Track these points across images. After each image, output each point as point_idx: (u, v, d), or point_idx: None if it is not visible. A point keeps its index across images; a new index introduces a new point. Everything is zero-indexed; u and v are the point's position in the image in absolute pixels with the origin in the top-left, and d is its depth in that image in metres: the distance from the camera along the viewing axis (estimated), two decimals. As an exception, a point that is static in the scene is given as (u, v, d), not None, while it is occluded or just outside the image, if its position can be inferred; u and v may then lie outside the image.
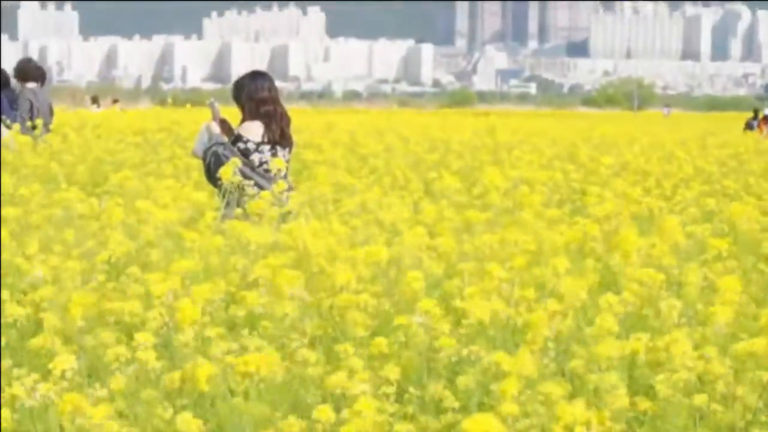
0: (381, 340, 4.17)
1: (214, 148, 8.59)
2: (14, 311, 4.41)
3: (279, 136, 8.73)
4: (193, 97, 58.55)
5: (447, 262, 5.27)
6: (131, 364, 3.86)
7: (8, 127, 12.30)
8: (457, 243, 5.47)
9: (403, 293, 4.53)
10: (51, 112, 13.59)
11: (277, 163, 8.00)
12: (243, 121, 8.81)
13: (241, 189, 6.87)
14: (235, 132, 8.76)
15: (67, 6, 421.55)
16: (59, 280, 4.69)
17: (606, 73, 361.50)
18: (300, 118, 24.74)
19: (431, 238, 5.49)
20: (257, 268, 4.55)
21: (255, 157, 8.57)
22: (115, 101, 48.02)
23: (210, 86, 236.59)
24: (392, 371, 3.98)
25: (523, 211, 6.27)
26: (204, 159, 8.66)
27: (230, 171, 6.72)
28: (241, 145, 8.62)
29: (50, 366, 3.71)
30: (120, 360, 3.84)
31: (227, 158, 8.29)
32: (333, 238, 5.11)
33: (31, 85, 13.41)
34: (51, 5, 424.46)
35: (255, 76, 8.96)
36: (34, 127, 12.20)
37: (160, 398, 3.87)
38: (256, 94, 8.77)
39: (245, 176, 7.56)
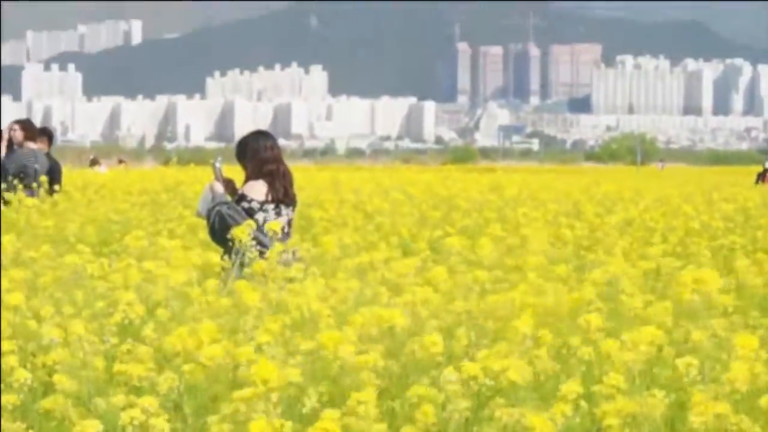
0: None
1: (217, 208, 8.61)
2: (22, 375, 4.38)
3: (283, 195, 8.76)
4: (197, 156, 58.47)
5: (452, 321, 5.25)
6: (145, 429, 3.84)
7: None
8: (464, 302, 5.45)
9: (420, 357, 4.50)
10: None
11: (273, 225, 7.94)
12: (247, 180, 8.85)
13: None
14: (239, 191, 8.79)
15: (71, 66, 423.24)
16: (70, 342, 4.68)
17: (609, 129, 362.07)
18: (303, 175, 24.79)
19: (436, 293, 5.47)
20: (259, 334, 4.54)
21: (259, 217, 8.58)
22: (121, 161, 47.92)
23: (213, 145, 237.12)
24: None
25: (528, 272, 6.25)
26: (208, 219, 8.68)
27: (244, 232, 6.68)
28: (245, 204, 8.65)
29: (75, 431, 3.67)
30: (134, 423, 3.82)
31: (231, 218, 8.32)
32: (338, 298, 5.10)
33: (32, 145, 13.26)
34: (54, 66, 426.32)
35: (258, 135, 9.04)
36: (7, 189, 12.12)
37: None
38: (259, 153, 8.83)
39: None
